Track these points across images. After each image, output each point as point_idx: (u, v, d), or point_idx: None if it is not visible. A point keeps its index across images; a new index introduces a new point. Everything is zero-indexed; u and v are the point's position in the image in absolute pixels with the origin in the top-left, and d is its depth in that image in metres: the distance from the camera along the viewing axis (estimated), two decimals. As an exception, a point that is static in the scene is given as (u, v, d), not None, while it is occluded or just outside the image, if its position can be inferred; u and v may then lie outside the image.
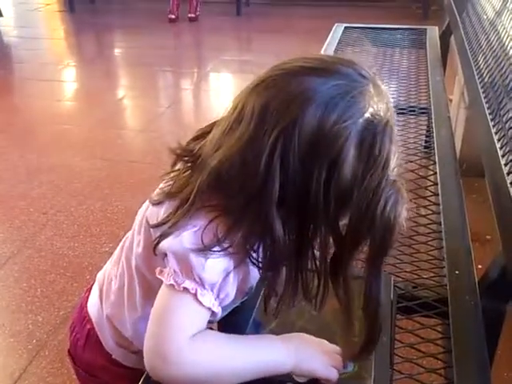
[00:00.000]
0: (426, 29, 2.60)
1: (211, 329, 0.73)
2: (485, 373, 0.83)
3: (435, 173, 1.40)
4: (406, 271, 1.08)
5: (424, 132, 1.68)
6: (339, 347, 0.77)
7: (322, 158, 0.64)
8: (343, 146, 0.64)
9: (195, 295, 0.67)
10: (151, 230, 0.75)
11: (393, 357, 0.82)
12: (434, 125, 1.65)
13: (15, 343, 1.78)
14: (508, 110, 1.23)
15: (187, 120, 3.69)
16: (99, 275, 0.94)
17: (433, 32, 2.55)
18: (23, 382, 1.65)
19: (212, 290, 0.68)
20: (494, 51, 1.57)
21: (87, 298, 0.94)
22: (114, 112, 3.73)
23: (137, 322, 0.83)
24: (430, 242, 1.15)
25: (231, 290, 0.71)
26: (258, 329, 0.85)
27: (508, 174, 1.06)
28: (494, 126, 1.27)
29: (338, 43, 2.38)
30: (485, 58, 1.63)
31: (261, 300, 0.86)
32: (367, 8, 5.64)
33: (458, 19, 2.22)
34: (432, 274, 1.07)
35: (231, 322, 0.81)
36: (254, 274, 0.75)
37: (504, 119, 1.23)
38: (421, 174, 1.40)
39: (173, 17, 5.62)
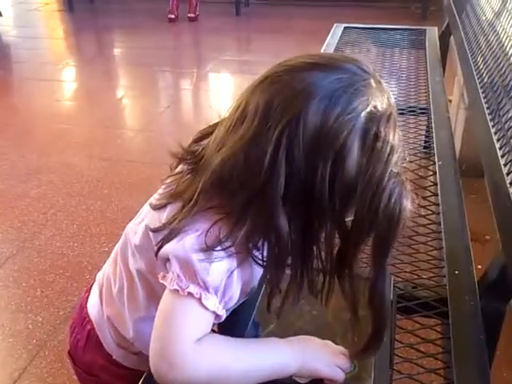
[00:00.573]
0: (425, 29, 2.60)
1: (213, 331, 0.73)
2: (484, 373, 0.84)
3: (435, 173, 1.40)
4: (405, 271, 1.08)
5: (423, 132, 1.68)
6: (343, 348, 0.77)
7: (326, 150, 0.64)
8: (347, 138, 0.64)
9: (200, 299, 0.67)
10: (151, 234, 0.74)
11: (393, 357, 0.82)
12: (433, 125, 1.65)
13: (15, 343, 1.78)
14: (507, 111, 1.23)
15: (186, 120, 3.68)
16: (99, 275, 0.94)
17: (432, 32, 2.55)
18: (23, 382, 1.65)
19: (216, 294, 0.68)
20: (494, 51, 1.57)
21: (87, 298, 0.94)
22: (114, 112, 3.73)
23: (139, 323, 0.83)
24: (429, 242, 1.15)
25: (235, 292, 0.71)
26: (257, 330, 0.85)
27: (507, 174, 1.06)
28: (493, 127, 1.27)
29: (338, 43, 2.38)
30: (484, 58, 1.63)
31: (262, 299, 0.85)
32: (366, 8, 5.63)
33: (458, 20, 2.22)
34: (432, 274, 1.07)
35: (231, 323, 0.81)
36: (257, 274, 0.74)
37: (503, 119, 1.23)
38: (420, 174, 1.40)
39: (172, 17, 5.61)
